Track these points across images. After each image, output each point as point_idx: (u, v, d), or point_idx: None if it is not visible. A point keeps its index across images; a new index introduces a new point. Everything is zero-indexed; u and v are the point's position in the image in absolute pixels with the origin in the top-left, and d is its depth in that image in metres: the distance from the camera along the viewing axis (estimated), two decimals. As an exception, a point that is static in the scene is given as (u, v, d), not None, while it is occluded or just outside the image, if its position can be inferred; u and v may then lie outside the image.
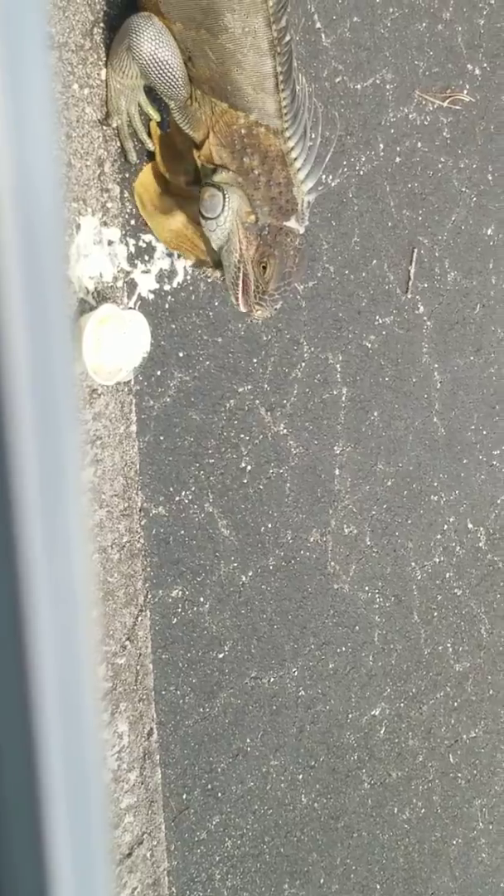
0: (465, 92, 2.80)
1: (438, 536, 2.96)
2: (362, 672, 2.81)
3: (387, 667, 2.88)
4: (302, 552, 2.61)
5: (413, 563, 2.91)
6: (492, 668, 3.22)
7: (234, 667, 2.48)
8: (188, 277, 2.29)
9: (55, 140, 0.55)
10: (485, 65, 2.83)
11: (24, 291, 0.54)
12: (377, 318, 2.71)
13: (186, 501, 2.36)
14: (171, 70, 2.01)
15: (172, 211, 2.18)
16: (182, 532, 2.36)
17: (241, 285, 2.09)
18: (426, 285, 2.81)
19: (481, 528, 3.09)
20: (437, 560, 2.98)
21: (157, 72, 2.01)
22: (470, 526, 3.05)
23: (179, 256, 2.27)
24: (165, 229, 2.19)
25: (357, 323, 2.66)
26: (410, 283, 2.77)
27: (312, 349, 2.56)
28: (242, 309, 2.12)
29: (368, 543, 2.78)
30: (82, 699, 0.56)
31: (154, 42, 2.00)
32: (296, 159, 2.08)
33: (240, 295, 2.10)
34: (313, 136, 2.12)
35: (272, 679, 2.57)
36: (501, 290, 3.02)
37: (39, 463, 0.54)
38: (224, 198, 2.04)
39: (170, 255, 2.25)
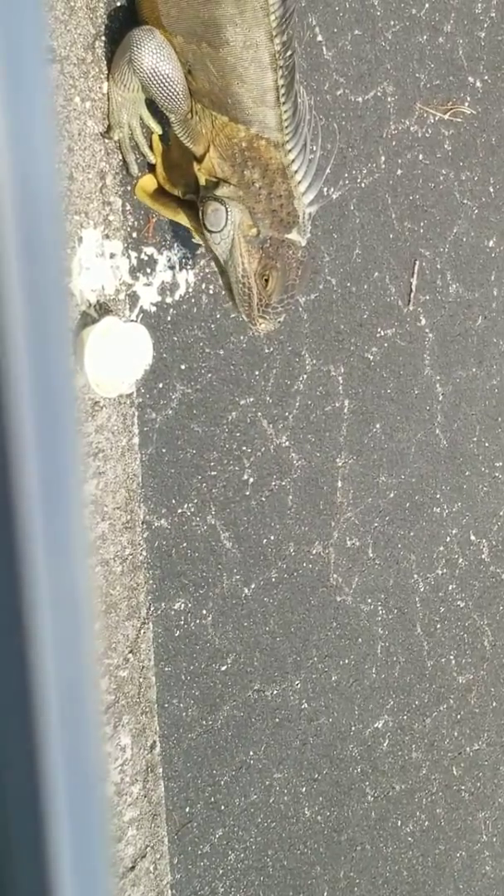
0: (467, 104, 2.80)
1: (441, 548, 2.96)
2: (365, 684, 2.81)
3: (390, 679, 2.88)
4: (304, 564, 2.61)
5: (416, 576, 2.91)
6: (495, 680, 3.22)
7: (237, 679, 2.48)
8: (190, 290, 2.30)
9: (55, 154, 0.55)
10: (486, 77, 2.83)
11: (23, 304, 0.54)
12: (379, 330, 2.71)
13: (189, 514, 2.36)
14: (171, 83, 2.01)
15: (143, 175, 2.18)
16: (184, 544, 2.36)
17: (244, 298, 2.09)
18: (428, 297, 2.81)
19: (484, 540, 3.09)
20: (440, 572, 2.98)
21: (157, 85, 2.01)
22: (472, 538, 3.05)
23: (182, 268, 2.27)
24: (140, 190, 2.18)
25: (359, 335, 2.66)
26: (412, 296, 2.77)
27: (314, 361, 2.56)
28: (246, 321, 2.12)
29: (371, 556, 2.77)
30: (84, 712, 0.55)
31: (155, 55, 2.00)
32: (296, 172, 2.08)
33: (243, 307, 2.10)
34: (314, 148, 2.12)
35: (275, 692, 2.57)
36: (503, 302, 3.02)
37: (39, 475, 0.54)
38: (226, 211, 2.04)
39: (172, 267, 2.25)
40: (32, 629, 0.53)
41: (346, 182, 2.58)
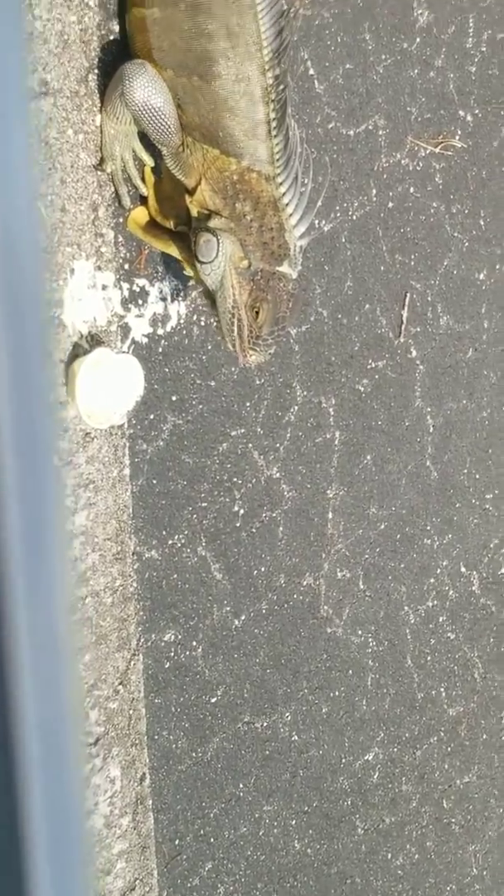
0: (457, 138, 2.82)
1: (431, 580, 2.96)
2: (355, 717, 2.80)
3: (380, 711, 2.87)
4: (295, 596, 2.61)
5: (406, 608, 2.91)
6: (485, 712, 3.21)
7: (227, 711, 2.47)
8: (182, 322, 2.30)
9: (36, 187, 0.55)
10: (476, 111, 2.85)
11: (4, 334, 0.54)
12: (370, 361, 2.71)
13: (179, 545, 2.36)
14: (163, 117, 2.02)
15: (135, 207, 2.19)
16: (175, 576, 2.36)
17: (234, 330, 2.10)
18: (419, 329, 2.82)
19: (474, 572, 3.09)
20: (431, 604, 2.98)
21: (149, 118, 2.02)
22: (463, 570, 3.05)
23: (174, 300, 2.28)
24: (132, 222, 2.19)
25: (350, 367, 2.67)
26: (403, 328, 2.78)
27: (305, 393, 2.57)
28: (236, 353, 2.13)
29: (361, 587, 2.77)
30: (66, 749, 0.55)
31: (147, 89, 2.01)
32: (287, 205, 2.09)
33: (233, 339, 2.10)
34: (305, 181, 2.13)
35: (265, 724, 2.56)
36: (493, 335, 3.03)
37: (20, 508, 0.55)
38: (218, 243, 2.05)
39: (163, 299, 2.26)
40: (11, 667, 0.53)
41: (338, 214, 2.59)
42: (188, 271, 2.17)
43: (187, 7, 2.00)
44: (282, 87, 2.06)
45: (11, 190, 0.54)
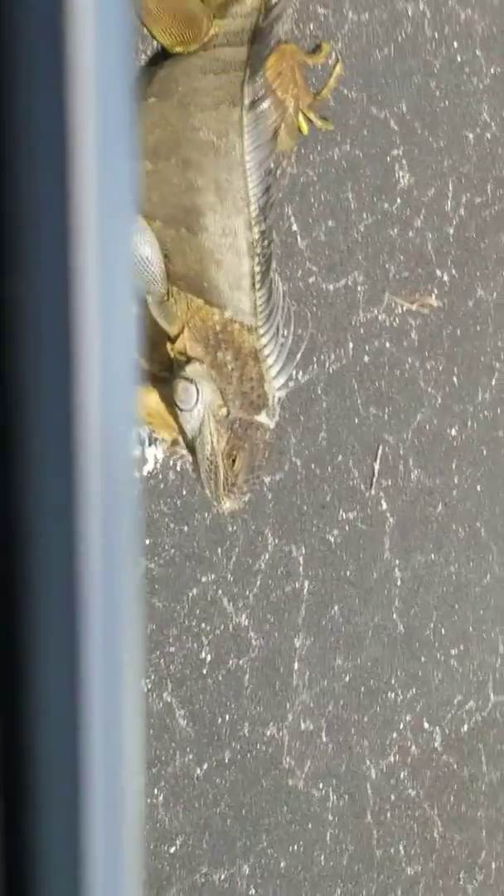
0: (434, 296, 2.87)
1: (394, 735, 2.94)
2: (314, 872, 2.76)
3: (338, 867, 2.83)
4: (258, 746, 2.58)
5: (368, 762, 2.88)
6: (443, 872, 3.17)
7: (185, 862, 2.43)
8: (158, 466, 2.32)
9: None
10: (453, 272, 2.91)
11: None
12: (341, 512, 2.73)
13: (145, 690, 2.34)
14: (150, 266, 2.06)
15: (147, 391, 2.21)
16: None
17: (211, 476, 2.12)
18: (390, 482, 2.84)
19: (437, 729, 3.07)
20: (392, 759, 2.95)
21: (137, 268, 2.05)
22: (426, 726, 3.03)
23: (152, 444, 2.29)
24: (141, 406, 2.21)
25: (321, 517, 2.68)
26: (374, 480, 2.80)
27: (277, 541, 2.57)
28: (212, 499, 2.14)
29: (324, 740, 2.75)
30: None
31: (135, 239, 2.05)
32: (268, 356, 2.13)
33: (209, 485, 2.12)
34: (286, 333, 2.17)
35: (223, 876, 2.52)
36: (464, 490, 3.05)
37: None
38: (198, 390, 2.08)
39: (141, 443, 2.28)
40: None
41: (315, 367, 2.63)
42: (160, 432, 2.20)
43: (178, 162, 2.05)
44: (267, 241, 2.11)
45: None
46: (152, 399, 2.19)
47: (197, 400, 2.08)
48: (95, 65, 0.54)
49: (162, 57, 2.14)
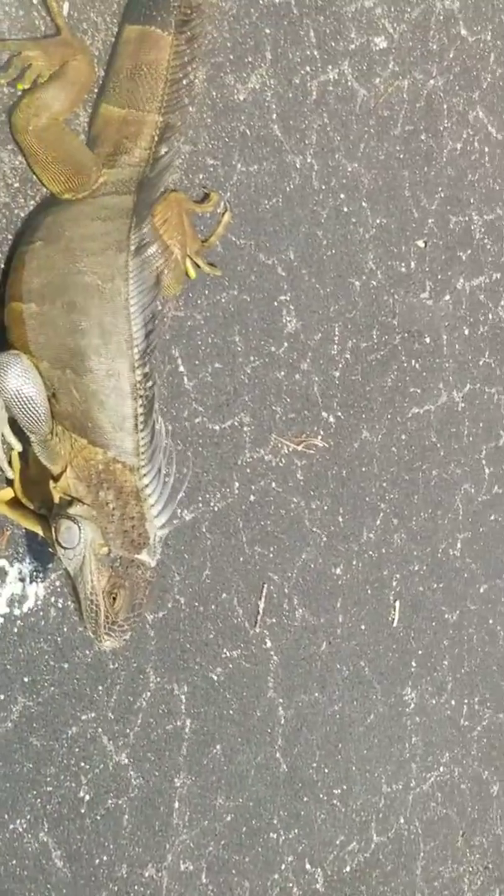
0: (320, 438, 2.93)
1: (276, 876, 2.92)
2: None
3: None
4: (136, 888, 2.56)
5: (249, 903, 2.86)
6: None
7: None
8: (39, 603, 2.32)
9: None
10: (339, 414, 2.97)
11: None
12: (224, 650, 2.74)
13: (21, 830, 2.31)
14: (34, 406, 2.09)
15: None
16: (14, 862, 2.30)
17: (91, 614, 2.13)
18: (274, 620, 2.87)
19: (319, 870, 3.05)
20: (274, 900, 2.93)
21: (20, 407, 2.08)
22: (308, 867, 3.02)
23: (33, 581, 2.30)
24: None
25: (204, 654, 2.69)
26: (259, 618, 2.82)
27: (158, 679, 2.58)
28: (92, 637, 2.15)
29: (204, 881, 2.73)
30: None
31: (20, 378, 2.08)
32: (150, 496, 2.16)
33: (90, 624, 2.13)
34: (169, 473, 2.20)
35: None
36: (347, 629, 3.08)
37: None
38: (79, 530, 2.09)
39: (22, 580, 2.28)
40: None
41: (200, 505, 2.66)
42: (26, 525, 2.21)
43: (64, 305, 2.09)
44: (150, 383, 2.15)
45: None
46: (5, 493, 2.20)
47: (78, 539, 2.10)
48: None
49: (50, 203, 2.19)
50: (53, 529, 2.11)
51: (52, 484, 2.13)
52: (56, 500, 2.12)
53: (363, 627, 3.13)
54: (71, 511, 2.12)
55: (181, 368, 2.56)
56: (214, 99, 2.51)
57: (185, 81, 2.28)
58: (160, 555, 2.23)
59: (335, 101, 2.76)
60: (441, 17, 2.99)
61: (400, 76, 2.92)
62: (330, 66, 2.74)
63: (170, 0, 2.24)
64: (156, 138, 2.24)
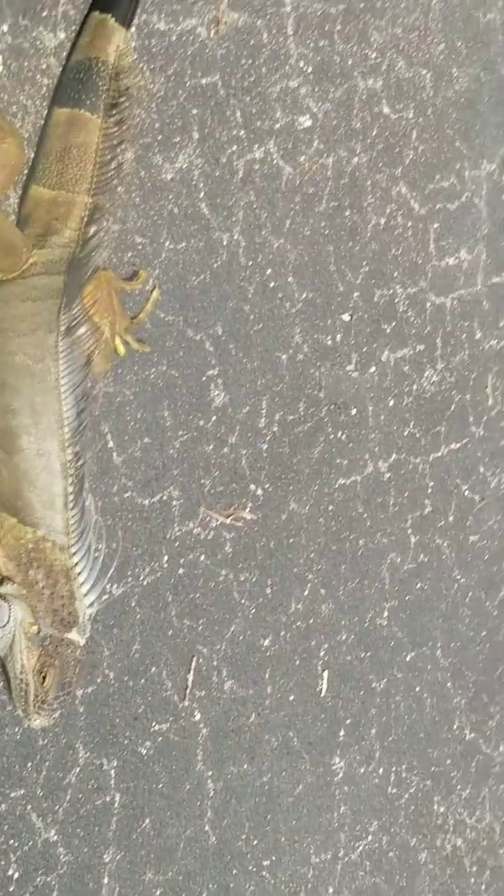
0: (248, 510, 2.95)
1: None
2: None
3: None
4: None
5: None
6: None
7: None
8: (-33, 681, 2.31)
9: None
10: (267, 486, 3.00)
11: None
12: (154, 724, 2.75)
13: None
14: None
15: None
16: None
17: (20, 693, 2.13)
18: (203, 693, 2.87)
19: (249, 943, 3.05)
20: None
21: None
22: (238, 940, 3.01)
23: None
24: None
25: (134, 729, 2.69)
26: (188, 691, 2.83)
27: (88, 754, 2.57)
28: (21, 716, 2.15)
29: None
30: None
31: None
32: (79, 574, 2.17)
33: (19, 702, 2.14)
34: (99, 548, 2.22)
35: None
36: (276, 700, 3.10)
37: None
38: (9, 608, 2.10)
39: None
40: None
41: (129, 580, 2.67)
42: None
43: (-6, 386, 2.11)
44: (80, 462, 2.17)
45: None
46: None
47: (8, 618, 2.11)
48: None
49: (-20, 284, 2.21)
50: (-17, 608, 2.12)
51: (-19, 563, 2.14)
52: (-14, 578, 2.14)
53: (292, 698, 3.15)
54: (1, 590, 2.13)
55: (110, 444, 2.58)
56: (143, 179, 2.54)
57: (114, 163, 2.31)
58: (89, 632, 2.25)
59: (261, 178, 2.81)
60: (364, 97, 3.05)
61: (325, 154, 2.97)
62: (256, 145, 2.78)
63: (98, 84, 2.27)
64: (85, 219, 2.27)
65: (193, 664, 2.84)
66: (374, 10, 3.00)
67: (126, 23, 2.31)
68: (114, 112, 2.31)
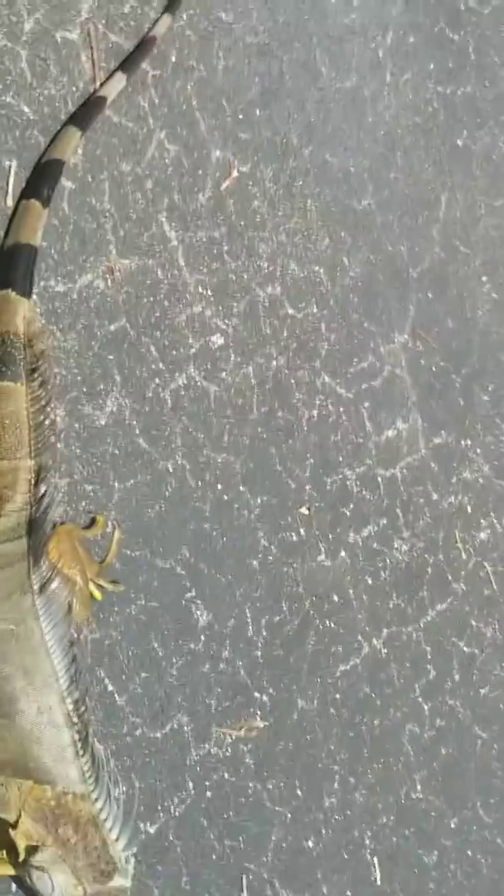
0: (258, 718, 2.98)
1: None
2: None
3: None
4: None
5: None
6: None
7: None
8: None
9: None
10: (270, 690, 3.04)
11: None
12: None
13: None
14: None
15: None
16: None
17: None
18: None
19: None
20: None
21: None
22: None
23: None
24: None
25: None
26: None
27: None
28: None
29: None
30: None
31: None
32: (106, 819, 2.19)
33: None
34: (118, 790, 2.25)
35: None
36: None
37: None
38: (50, 878, 2.11)
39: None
40: None
41: (161, 814, 2.68)
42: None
43: (-18, 657, 2.17)
44: (82, 708, 2.22)
45: None
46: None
47: (52, 888, 2.12)
48: None
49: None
50: (27, 878, 2.13)
51: (12, 832, 2.15)
52: (21, 848, 2.14)
53: (349, 893, 3.13)
54: (38, 859, 2.13)
55: (110, 687, 2.63)
56: (78, 430, 2.66)
57: (47, 422, 2.42)
58: (133, 871, 2.25)
59: (190, 402, 2.93)
60: (266, 304, 3.20)
61: (243, 365, 3.10)
62: (177, 373, 2.91)
63: (14, 354, 2.40)
64: (33, 481, 2.36)
65: (245, 883, 2.84)
66: (254, 225, 3.17)
67: (26, 293, 2.45)
68: (35, 376, 2.42)
